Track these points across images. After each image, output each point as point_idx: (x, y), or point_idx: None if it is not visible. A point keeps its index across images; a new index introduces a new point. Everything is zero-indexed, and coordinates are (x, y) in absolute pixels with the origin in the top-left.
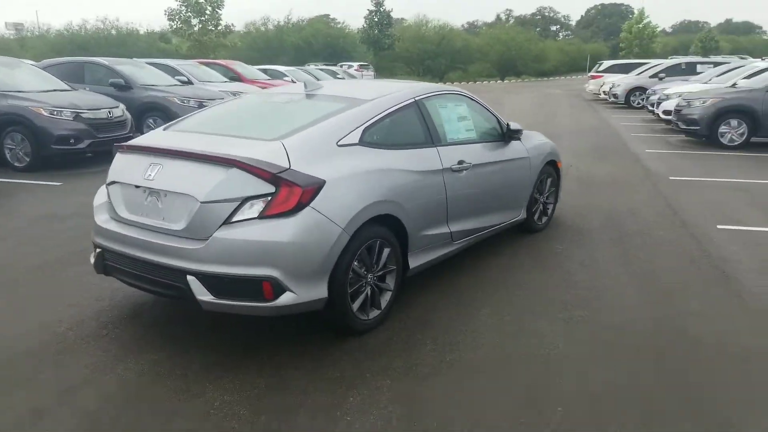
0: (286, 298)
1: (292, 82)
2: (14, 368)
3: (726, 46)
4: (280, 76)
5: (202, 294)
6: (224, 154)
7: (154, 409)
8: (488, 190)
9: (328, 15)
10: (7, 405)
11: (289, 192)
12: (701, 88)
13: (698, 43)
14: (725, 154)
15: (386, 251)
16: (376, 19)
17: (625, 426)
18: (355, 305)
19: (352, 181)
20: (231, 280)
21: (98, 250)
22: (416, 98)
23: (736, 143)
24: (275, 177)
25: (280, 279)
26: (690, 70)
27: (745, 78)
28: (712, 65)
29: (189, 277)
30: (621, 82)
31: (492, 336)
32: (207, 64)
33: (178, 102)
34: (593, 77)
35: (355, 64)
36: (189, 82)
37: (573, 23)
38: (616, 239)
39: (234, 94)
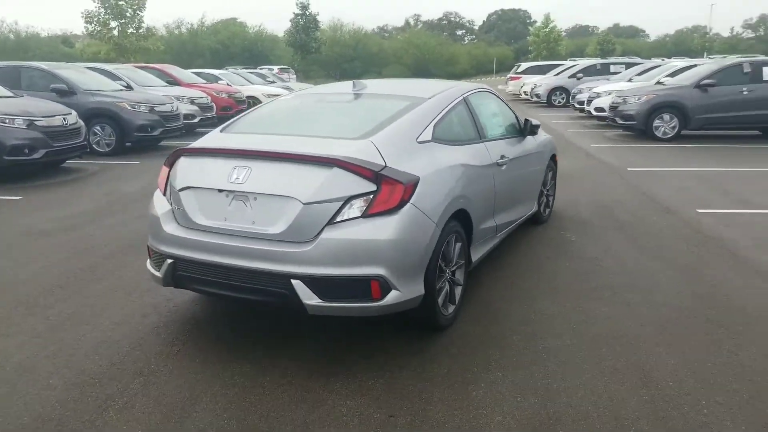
0: (392, 297)
1: (228, 84)
2: (104, 388)
3: (617, 48)
4: (214, 79)
5: (309, 298)
6: (326, 154)
7: (287, 419)
8: (518, 184)
9: (236, 18)
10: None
11: (391, 189)
12: (630, 86)
13: (597, 45)
14: (662, 146)
15: (458, 246)
16: (302, 23)
17: (738, 394)
18: (440, 301)
19: (437, 177)
20: (339, 282)
21: (168, 261)
22: (464, 95)
23: (668, 136)
24: (377, 175)
25: (388, 277)
26: (604, 70)
27: (668, 76)
28: (623, 66)
29: (294, 282)
30: (542, 83)
31: (565, 323)
32: (142, 69)
33: (129, 108)
34: (513, 78)
35: (276, 68)
36: (129, 87)
37: (476, 28)
38: (618, 227)
39: (180, 98)
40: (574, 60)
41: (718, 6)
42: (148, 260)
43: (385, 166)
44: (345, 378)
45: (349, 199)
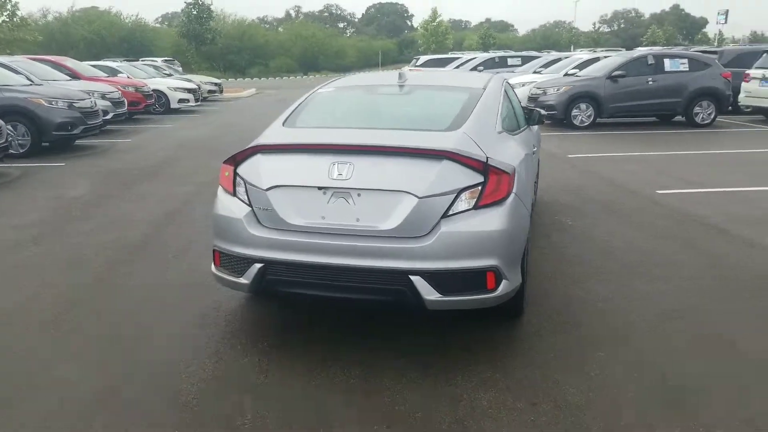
0: (503, 287)
1: (128, 77)
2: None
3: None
4: (113, 72)
5: (429, 293)
6: (437, 147)
7: (438, 417)
8: (534, 172)
9: (98, 7)
10: None
11: (498, 180)
12: (543, 78)
13: (478, 39)
14: (582, 133)
15: None
16: (194, 13)
17: None
18: None
19: (521, 167)
20: (458, 275)
21: (257, 265)
22: (503, 85)
23: (585, 124)
24: (486, 166)
25: (501, 267)
26: (502, 63)
27: (575, 68)
28: (519, 59)
29: (414, 278)
30: None
31: (622, 301)
32: (37, 61)
33: (46, 104)
34: (412, 71)
35: (159, 59)
36: (31, 82)
37: (357, 20)
38: (604, 210)
39: (90, 93)
40: (455, 53)
41: (578, 3)
42: (216, 266)
43: (488, 157)
44: (470, 372)
45: (460, 192)
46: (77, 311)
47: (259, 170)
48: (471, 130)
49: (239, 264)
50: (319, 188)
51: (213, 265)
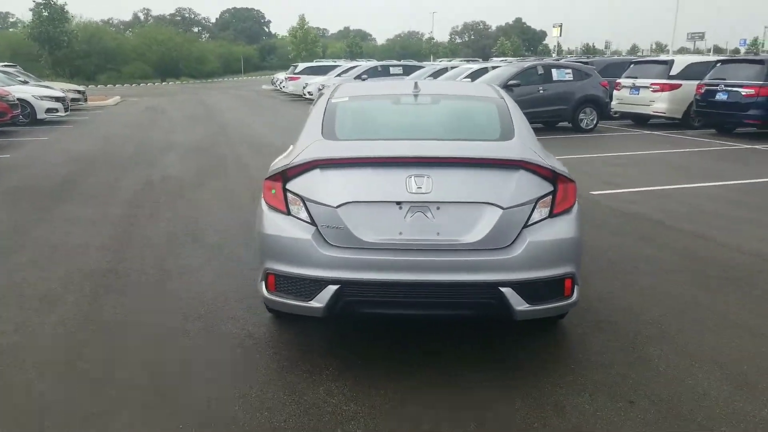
0: (576, 293)
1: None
2: None
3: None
4: None
5: (519, 304)
6: (514, 157)
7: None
8: None
9: None
10: None
11: (566, 188)
12: None
13: (345, 47)
14: None
15: None
16: (45, 14)
17: None
18: None
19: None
20: (544, 284)
21: (332, 288)
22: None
23: None
24: (555, 175)
25: (575, 274)
26: (384, 72)
27: (466, 77)
28: (401, 69)
29: (504, 289)
30: (329, 84)
31: (637, 297)
32: None
33: None
34: (291, 78)
35: None
36: None
37: (212, 25)
38: None
39: None
40: (330, 61)
41: (430, 14)
42: (270, 291)
43: (553, 165)
44: (554, 377)
45: (537, 201)
46: (85, 359)
47: (322, 186)
48: (524, 140)
49: (307, 287)
50: (398, 203)
51: (265, 290)
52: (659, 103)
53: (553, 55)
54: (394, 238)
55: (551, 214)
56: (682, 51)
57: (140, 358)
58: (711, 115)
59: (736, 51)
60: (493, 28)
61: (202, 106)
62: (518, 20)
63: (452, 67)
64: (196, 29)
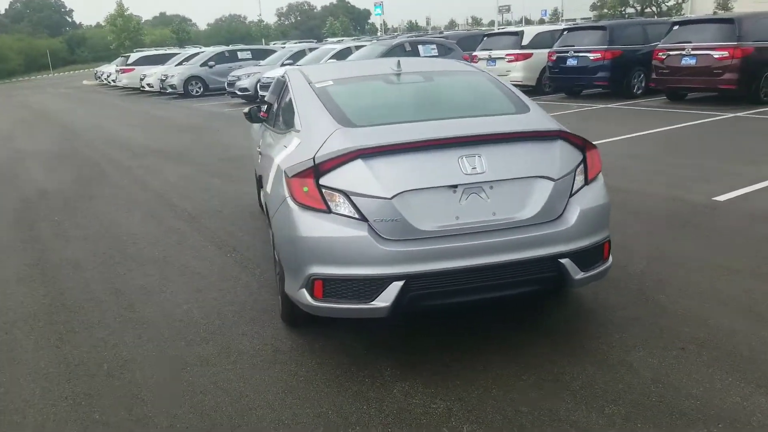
0: (610, 257)
1: None
2: None
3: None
4: None
5: (576, 273)
6: (552, 128)
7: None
8: None
9: None
10: None
11: (592, 155)
12: None
13: (171, 34)
14: None
15: None
16: None
17: None
18: None
19: None
20: (592, 250)
21: (397, 284)
22: None
23: None
24: (584, 143)
25: (610, 238)
26: (232, 57)
27: (331, 59)
28: (249, 53)
29: (563, 261)
30: (175, 72)
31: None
32: None
33: None
34: (125, 71)
35: None
36: None
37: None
38: None
39: None
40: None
41: None
42: (318, 298)
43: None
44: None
45: (575, 170)
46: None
47: (370, 177)
48: (539, 111)
49: (368, 287)
50: (452, 187)
51: (310, 298)
52: (515, 72)
53: (379, 33)
54: (452, 224)
55: (586, 182)
56: (493, 24)
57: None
58: (563, 80)
59: (542, 21)
60: (319, 8)
61: (26, 109)
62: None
63: (310, 49)
64: None
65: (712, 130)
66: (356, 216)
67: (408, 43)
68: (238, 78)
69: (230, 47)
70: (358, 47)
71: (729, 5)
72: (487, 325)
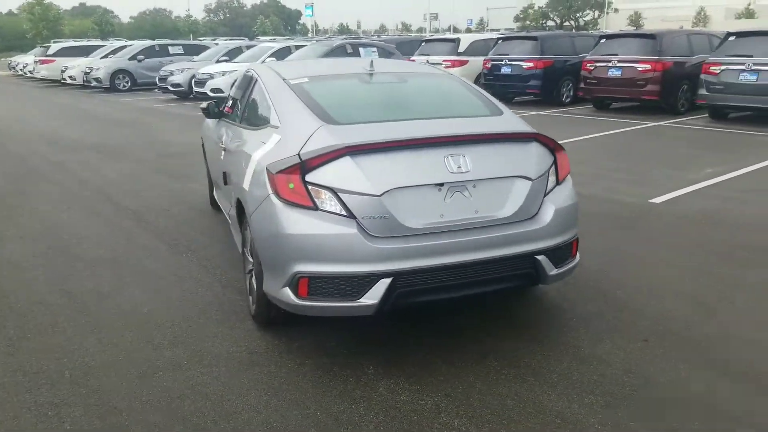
0: (578, 254)
1: None
2: None
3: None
4: None
5: (551, 269)
6: (528, 130)
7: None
8: None
9: None
10: None
11: (561, 157)
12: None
13: (94, 25)
14: None
15: None
16: None
17: None
18: None
19: None
20: (564, 248)
21: (384, 281)
22: None
23: None
24: (555, 145)
25: (578, 236)
26: (163, 52)
27: (271, 56)
28: (181, 48)
29: (539, 257)
30: (101, 65)
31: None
32: None
33: None
34: (44, 62)
35: None
36: None
37: None
38: None
39: None
40: (90, 41)
41: None
42: (302, 296)
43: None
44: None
45: (548, 170)
46: None
47: (359, 174)
48: (511, 114)
49: (355, 285)
50: (439, 185)
51: (294, 297)
52: None
53: (310, 34)
54: (437, 221)
55: (557, 182)
56: (421, 30)
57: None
58: (497, 87)
59: (468, 30)
60: (249, 6)
61: None
62: None
63: (247, 47)
64: None
65: (639, 137)
66: (344, 213)
67: (349, 45)
68: (171, 73)
69: (161, 41)
70: (297, 47)
71: (640, 23)
72: (460, 323)
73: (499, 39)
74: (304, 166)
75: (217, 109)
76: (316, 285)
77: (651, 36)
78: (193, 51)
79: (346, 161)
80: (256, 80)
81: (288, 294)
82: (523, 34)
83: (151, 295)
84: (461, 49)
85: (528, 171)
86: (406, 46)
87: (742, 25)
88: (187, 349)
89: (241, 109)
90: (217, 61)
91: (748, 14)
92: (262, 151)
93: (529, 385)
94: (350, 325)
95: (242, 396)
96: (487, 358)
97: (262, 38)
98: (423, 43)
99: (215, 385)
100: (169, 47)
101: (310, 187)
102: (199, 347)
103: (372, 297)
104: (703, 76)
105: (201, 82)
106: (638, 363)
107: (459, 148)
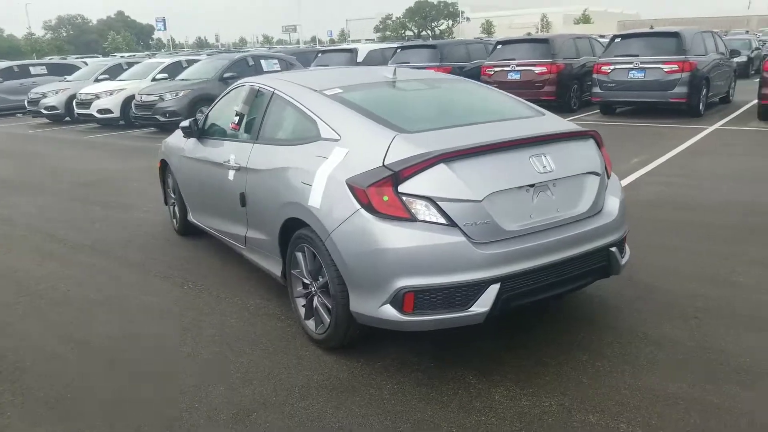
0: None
1: None
2: None
3: None
4: None
5: (621, 260)
6: (585, 129)
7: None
8: None
9: None
10: None
11: (605, 153)
12: (146, 84)
13: None
14: None
15: None
16: None
17: None
18: None
19: None
20: (624, 239)
21: (494, 287)
22: None
23: None
24: (601, 142)
25: None
26: (24, 73)
27: (161, 73)
28: (44, 68)
29: (613, 249)
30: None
31: None
32: None
33: None
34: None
35: None
36: None
37: None
38: None
39: None
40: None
41: (21, 6)
42: (407, 312)
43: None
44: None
45: (604, 165)
46: None
47: (457, 181)
48: (550, 114)
49: (464, 294)
50: (530, 186)
51: (398, 314)
52: None
53: (163, 50)
54: (529, 222)
55: (608, 177)
56: (281, 42)
57: None
58: None
59: (332, 41)
60: (94, 21)
61: None
62: (120, 13)
63: (128, 64)
64: None
65: None
66: (444, 222)
67: (251, 58)
68: (44, 95)
69: (20, 62)
70: (189, 62)
71: (492, 30)
72: (513, 321)
73: (398, 48)
74: (397, 177)
75: (197, 127)
76: (423, 298)
77: (544, 41)
78: (58, 71)
79: (441, 169)
80: (274, 94)
81: (390, 311)
82: (420, 42)
83: (180, 333)
84: (359, 59)
85: (596, 167)
86: (301, 57)
87: (582, 29)
88: (265, 384)
89: (259, 125)
90: (96, 80)
91: (585, 19)
92: (328, 165)
93: (629, 374)
94: (410, 337)
95: (364, 426)
96: (572, 351)
97: (117, 54)
98: (320, 54)
99: (327, 416)
100: (30, 67)
101: (404, 198)
102: (276, 381)
103: (482, 305)
104: (595, 75)
105: (84, 104)
106: (706, 338)
107: (540, 148)
